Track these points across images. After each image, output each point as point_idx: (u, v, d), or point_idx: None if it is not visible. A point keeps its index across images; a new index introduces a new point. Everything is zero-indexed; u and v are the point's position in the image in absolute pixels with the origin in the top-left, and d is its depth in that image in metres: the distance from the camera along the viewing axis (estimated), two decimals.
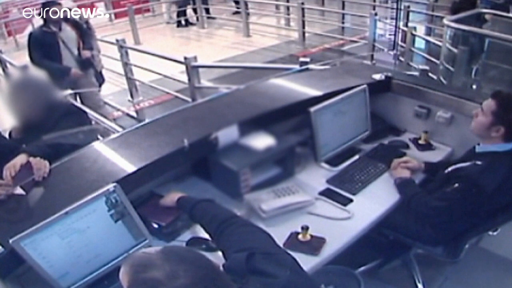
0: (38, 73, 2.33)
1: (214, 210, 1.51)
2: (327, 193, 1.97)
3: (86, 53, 3.84)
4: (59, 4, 3.62)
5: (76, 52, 3.80)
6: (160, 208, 1.78)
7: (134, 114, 5.12)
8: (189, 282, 0.86)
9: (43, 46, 3.61)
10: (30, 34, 3.73)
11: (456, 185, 1.77)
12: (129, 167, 1.75)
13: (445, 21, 4.61)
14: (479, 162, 1.78)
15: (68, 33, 3.72)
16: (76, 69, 3.77)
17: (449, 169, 1.90)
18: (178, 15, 9.83)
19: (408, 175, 2.00)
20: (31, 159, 1.79)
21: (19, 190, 1.69)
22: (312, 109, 2.05)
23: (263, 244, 1.22)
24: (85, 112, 2.89)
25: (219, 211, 1.48)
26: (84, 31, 3.92)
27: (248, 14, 8.69)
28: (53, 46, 3.63)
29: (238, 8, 9.53)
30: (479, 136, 1.87)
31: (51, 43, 3.62)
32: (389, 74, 2.49)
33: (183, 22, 9.80)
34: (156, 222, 1.73)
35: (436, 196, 1.83)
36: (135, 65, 5.18)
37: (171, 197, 1.74)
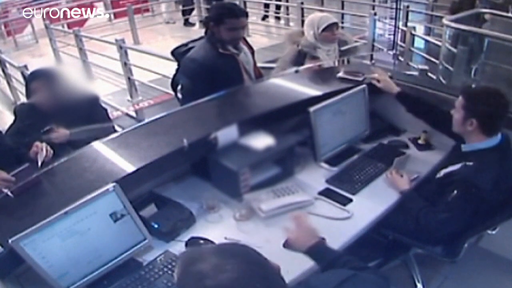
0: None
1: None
2: (326, 193, 1.97)
3: None
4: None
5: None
6: None
7: (134, 114, 5.11)
8: (235, 276, 0.85)
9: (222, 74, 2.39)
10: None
11: (455, 192, 1.76)
12: (129, 167, 1.75)
13: (444, 21, 4.61)
14: (469, 163, 1.78)
15: (248, 55, 2.63)
16: None
17: (441, 173, 1.89)
18: (183, 14, 9.79)
19: (407, 186, 1.95)
20: (37, 143, 1.93)
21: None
22: (312, 109, 2.05)
23: None
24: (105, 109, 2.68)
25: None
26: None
27: (247, 14, 8.66)
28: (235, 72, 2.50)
29: None
30: (460, 134, 1.89)
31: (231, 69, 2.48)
32: (389, 74, 2.49)
33: (190, 20, 9.71)
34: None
35: (441, 209, 1.80)
36: (134, 65, 5.17)
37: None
